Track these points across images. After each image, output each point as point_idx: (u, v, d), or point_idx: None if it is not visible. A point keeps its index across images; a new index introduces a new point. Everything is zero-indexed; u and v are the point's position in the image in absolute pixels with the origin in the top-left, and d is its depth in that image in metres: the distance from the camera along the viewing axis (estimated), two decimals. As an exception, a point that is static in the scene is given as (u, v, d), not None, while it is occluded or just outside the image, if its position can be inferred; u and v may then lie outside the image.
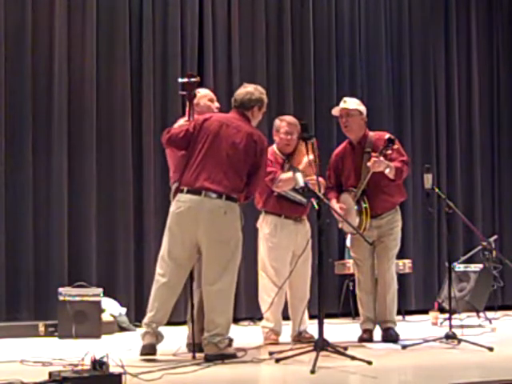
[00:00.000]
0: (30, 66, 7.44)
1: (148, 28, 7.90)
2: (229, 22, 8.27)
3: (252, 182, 5.26)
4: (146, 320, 5.22)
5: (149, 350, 5.11)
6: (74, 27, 7.64)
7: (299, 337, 6.05)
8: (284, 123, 6.16)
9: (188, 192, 5.13)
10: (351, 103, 6.15)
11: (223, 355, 5.05)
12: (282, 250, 6.03)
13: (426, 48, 9.17)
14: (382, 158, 5.87)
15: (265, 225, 6.12)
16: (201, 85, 7.96)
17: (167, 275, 5.16)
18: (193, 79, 5.45)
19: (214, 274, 5.10)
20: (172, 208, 5.22)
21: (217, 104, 5.80)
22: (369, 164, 5.88)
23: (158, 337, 5.18)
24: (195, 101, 5.65)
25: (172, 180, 5.51)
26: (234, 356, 5.13)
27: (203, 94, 5.81)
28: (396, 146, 5.96)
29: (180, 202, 5.15)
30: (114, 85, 7.76)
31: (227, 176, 5.12)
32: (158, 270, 5.22)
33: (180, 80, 5.51)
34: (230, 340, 5.35)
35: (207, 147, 5.18)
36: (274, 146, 6.22)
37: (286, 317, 6.19)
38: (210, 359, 5.02)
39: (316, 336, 5.80)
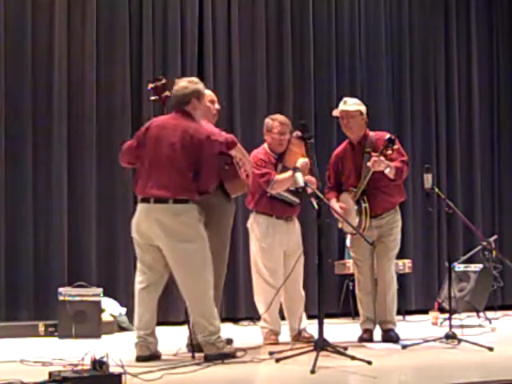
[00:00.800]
0: (29, 65, 7.44)
1: (148, 28, 7.90)
2: (229, 22, 8.27)
3: (200, 175, 5.12)
4: (134, 328, 5.27)
5: (142, 361, 5.08)
6: (74, 27, 7.64)
7: (299, 336, 6.05)
8: (276, 123, 6.14)
9: (141, 201, 5.16)
10: (352, 104, 6.13)
11: (223, 354, 5.05)
12: (275, 250, 6.03)
13: (426, 48, 9.16)
14: (382, 158, 5.87)
15: (256, 225, 6.10)
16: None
17: (145, 281, 5.19)
18: (159, 82, 5.45)
19: (185, 276, 5.10)
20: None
21: (217, 106, 5.79)
22: (369, 164, 5.88)
23: (150, 346, 5.15)
24: None
25: None
26: (233, 355, 5.13)
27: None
28: (396, 146, 5.95)
29: (137, 212, 5.19)
30: (114, 84, 7.76)
31: (171, 179, 5.06)
32: (137, 277, 5.26)
33: (149, 87, 5.51)
34: (230, 340, 5.34)
35: (151, 154, 5.15)
36: (266, 146, 6.20)
37: (284, 316, 6.19)
38: (209, 359, 5.02)
39: (316, 336, 5.81)
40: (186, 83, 5.31)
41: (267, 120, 6.22)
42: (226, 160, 5.50)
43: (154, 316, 5.22)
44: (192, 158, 5.09)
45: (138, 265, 5.25)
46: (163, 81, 5.47)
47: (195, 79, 5.42)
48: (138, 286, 5.22)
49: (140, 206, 5.16)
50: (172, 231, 5.05)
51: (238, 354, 5.24)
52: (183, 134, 5.11)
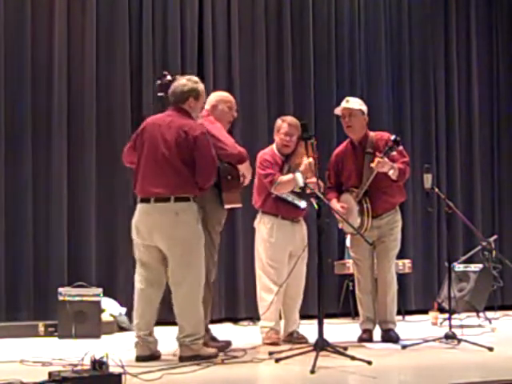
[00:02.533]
0: (29, 65, 7.43)
1: (148, 28, 7.89)
2: (229, 21, 8.26)
3: (197, 172, 5.09)
4: (134, 328, 5.26)
5: (142, 361, 5.08)
6: (74, 26, 7.63)
7: (290, 337, 6.04)
8: (285, 124, 6.14)
9: (141, 201, 5.16)
10: (354, 103, 6.14)
11: (198, 356, 5.05)
12: (280, 250, 6.03)
13: (426, 48, 9.16)
14: (386, 159, 5.87)
15: (262, 225, 6.12)
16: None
17: (143, 282, 5.20)
18: (165, 79, 5.45)
19: (179, 275, 5.09)
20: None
21: (235, 113, 5.80)
22: (373, 165, 5.88)
23: (150, 345, 5.16)
24: (213, 103, 5.69)
25: None
26: (210, 357, 5.09)
27: (224, 98, 5.79)
28: (400, 147, 5.96)
29: (136, 212, 5.19)
30: (114, 84, 7.76)
31: (169, 177, 5.06)
32: (136, 276, 5.26)
33: (157, 82, 5.51)
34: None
35: (146, 153, 5.15)
36: (274, 147, 6.21)
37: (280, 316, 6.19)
38: (183, 360, 5.01)
39: (307, 337, 5.82)
40: (185, 81, 5.31)
41: (278, 120, 6.24)
42: (231, 171, 5.52)
43: (155, 316, 5.22)
44: (187, 154, 5.08)
45: (137, 265, 5.25)
46: (169, 77, 5.47)
47: (195, 78, 5.40)
48: (138, 286, 5.21)
49: (140, 207, 5.16)
50: (171, 232, 5.04)
51: (239, 353, 5.26)
52: (178, 131, 5.10)
